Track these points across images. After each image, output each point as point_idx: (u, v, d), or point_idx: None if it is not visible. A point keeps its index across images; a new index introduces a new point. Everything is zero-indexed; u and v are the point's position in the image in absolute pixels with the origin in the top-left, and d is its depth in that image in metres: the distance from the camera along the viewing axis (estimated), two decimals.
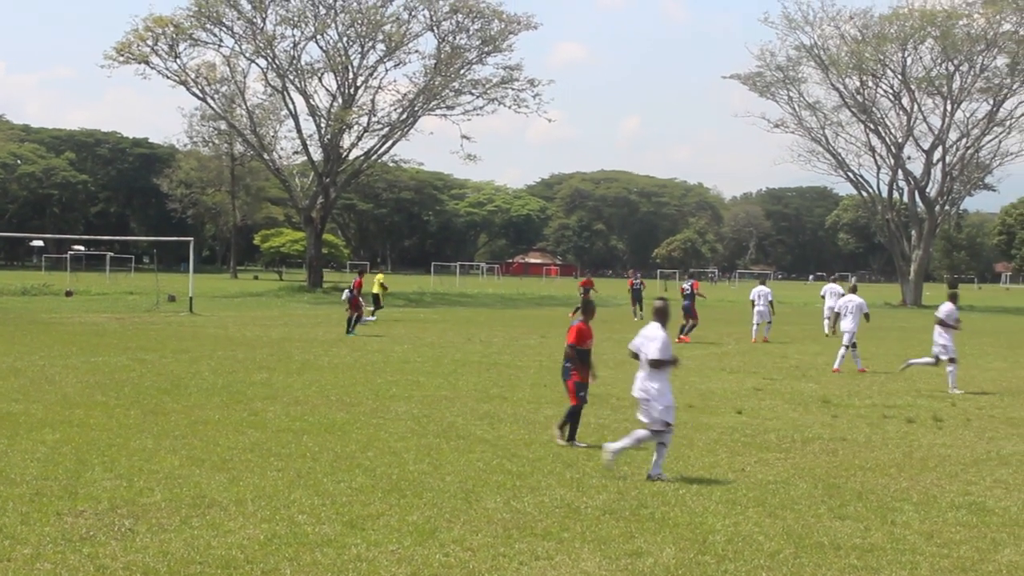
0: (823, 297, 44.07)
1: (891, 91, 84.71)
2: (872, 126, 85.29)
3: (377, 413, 18.51)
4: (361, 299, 38.64)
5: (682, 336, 37.10)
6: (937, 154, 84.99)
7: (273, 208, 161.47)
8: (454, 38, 76.05)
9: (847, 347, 28.71)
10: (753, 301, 39.19)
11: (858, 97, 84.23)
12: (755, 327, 38.96)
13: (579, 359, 15.96)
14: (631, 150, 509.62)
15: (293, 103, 79.54)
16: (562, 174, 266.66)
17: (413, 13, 75.03)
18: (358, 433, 16.39)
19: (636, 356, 14.21)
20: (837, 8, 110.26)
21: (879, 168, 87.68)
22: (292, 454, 14.54)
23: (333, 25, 74.45)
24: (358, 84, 77.30)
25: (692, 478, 13.67)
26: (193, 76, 74.46)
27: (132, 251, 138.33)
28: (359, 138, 78.41)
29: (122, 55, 69.68)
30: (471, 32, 75.85)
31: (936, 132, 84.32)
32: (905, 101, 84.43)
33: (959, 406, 21.52)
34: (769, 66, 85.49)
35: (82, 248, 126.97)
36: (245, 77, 78.90)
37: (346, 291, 42.74)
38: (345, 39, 75.56)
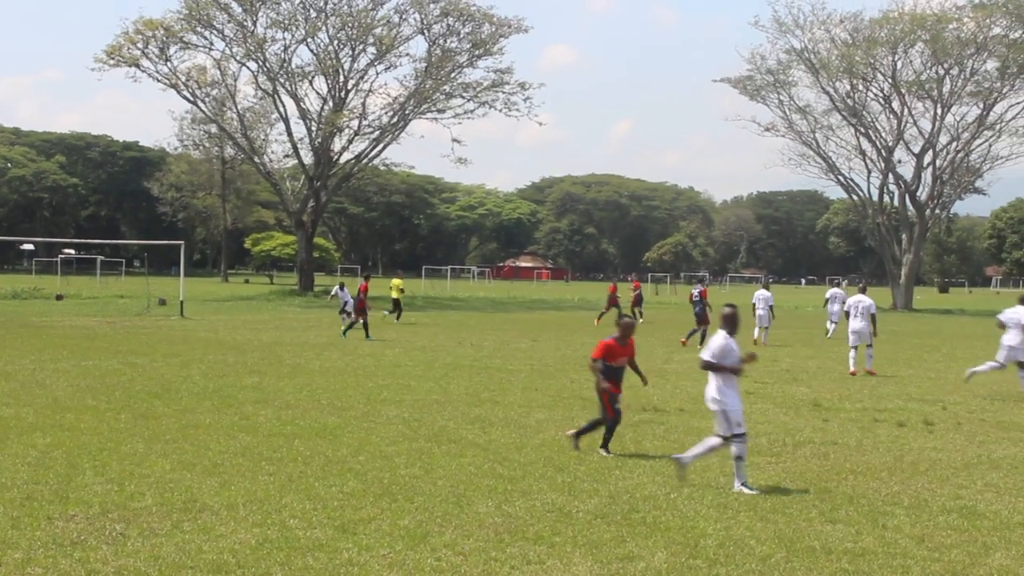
0: (827, 302, 44.10)
1: (881, 95, 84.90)
2: (862, 130, 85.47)
3: (368, 417, 18.50)
4: (369, 303, 38.49)
5: (685, 340, 37.30)
6: (927, 158, 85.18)
7: (264, 212, 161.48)
8: (445, 41, 76.29)
9: (857, 347, 28.87)
10: (754, 305, 39.17)
11: (848, 101, 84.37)
12: (757, 330, 39.04)
13: (610, 375, 15.48)
14: (622, 153, 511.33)
15: (284, 106, 79.70)
16: (553, 177, 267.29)
17: (404, 16, 75.28)
18: (349, 437, 16.38)
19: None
20: (827, 12, 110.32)
21: (870, 172, 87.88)
22: (283, 458, 14.53)
23: (324, 28, 74.63)
24: (349, 87, 77.50)
25: (683, 482, 13.67)
26: (184, 79, 74.65)
27: (123, 255, 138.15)
28: (350, 141, 78.66)
29: (112, 58, 69.75)
30: (462, 35, 76.09)
31: (926, 136, 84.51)
32: (895, 105, 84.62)
33: (950, 410, 21.55)
34: (759, 70, 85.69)
35: (72, 252, 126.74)
36: (236, 80, 79.16)
37: (335, 288, 42.86)
38: (336, 42, 75.75)
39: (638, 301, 54.14)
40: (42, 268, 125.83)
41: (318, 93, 78.03)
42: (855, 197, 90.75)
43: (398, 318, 47.71)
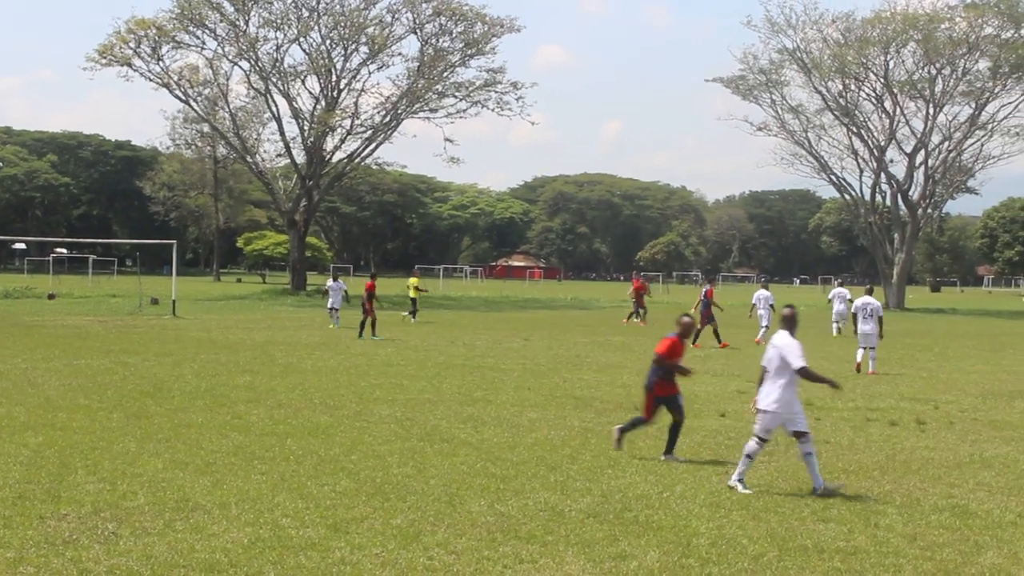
0: (830, 301, 44.17)
1: (873, 94, 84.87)
2: (855, 129, 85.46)
3: (361, 416, 18.49)
4: (374, 303, 38.47)
5: (695, 342, 37.34)
6: (920, 157, 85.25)
7: (256, 211, 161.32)
8: (437, 41, 76.15)
9: (866, 348, 29.07)
10: (755, 305, 39.28)
11: (841, 100, 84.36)
12: (762, 330, 39.21)
13: (665, 372, 15.46)
14: (614, 153, 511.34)
15: (276, 106, 79.59)
16: (545, 177, 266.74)
17: (396, 16, 75.20)
18: (342, 436, 16.37)
19: (766, 370, 13.66)
20: (819, 12, 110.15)
21: (862, 171, 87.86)
22: (276, 457, 14.52)
23: (316, 28, 74.49)
24: (341, 87, 77.39)
25: (676, 481, 13.67)
26: (176, 78, 74.55)
27: (115, 254, 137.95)
28: (342, 141, 78.55)
29: (104, 57, 69.66)
30: (454, 35, 75.99)
31: (918, 135, 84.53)
32: (888, 104, 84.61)
33: (942, 409, 21.57)
34: (752, 69, 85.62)
35: (64, 251, 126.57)
36: (228, 79, 79.06)
37: (329, 280, 42.86)
38: (328, 42, 75.66)
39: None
40: (34, 267, 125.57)
41: (310, 92, 78.02)
42: (847, 196, 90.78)
43: (414, 315, 48.36)
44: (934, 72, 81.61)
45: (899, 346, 37.50)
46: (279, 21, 73.38)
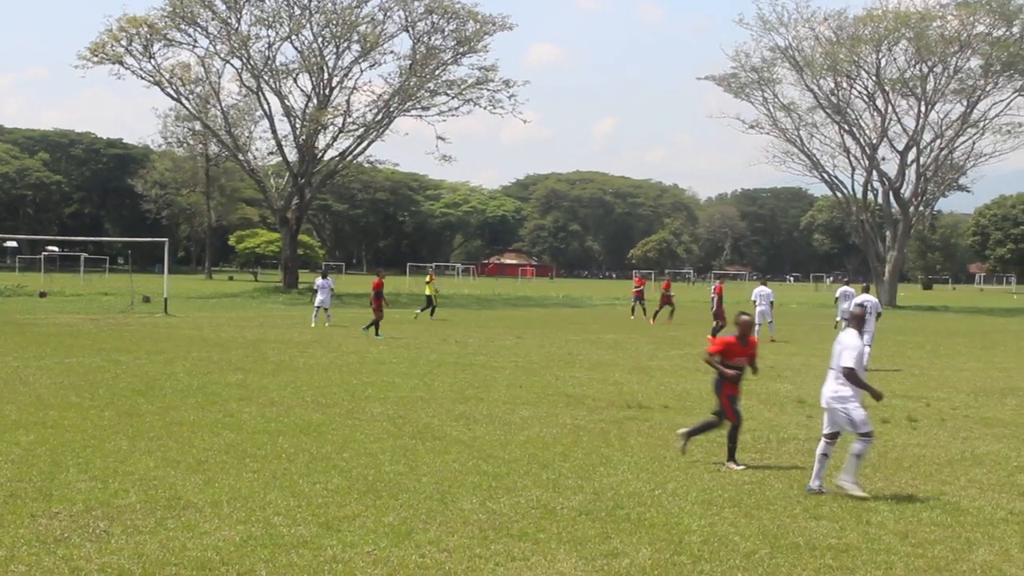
0: (837, 300, 44.27)
1: (865, 92, 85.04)
2: (846, 127, 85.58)
3: (353, 414, 18.49)
4: (385, 300, 38.47)
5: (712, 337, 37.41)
6: (911, 155, 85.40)
7: (248, 209, 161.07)
8: (429, 39, 76.16)
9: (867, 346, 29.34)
10: (755, 301, 39.58)
11: (832, 98, 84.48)
12: (758, 327, 39.42)
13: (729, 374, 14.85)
14: (606, 151, 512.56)
15: (268, 104, 79.61)
16: (537, 175, 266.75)
17: (388, 14, 75.15)
18: (334, 434, 16.36)
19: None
20: (811, 10, 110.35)
21: (854, 169, 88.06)
22: (267, 455, 14.51)
23: (308, 25, 74.45)
24: (333, 85, 77.35)
25: (668, 478, 13.68)
26: (167, 76, 74.40)
27: (106, 252, 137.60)
28: (334, 139, 78.46)
29: (96, 55, 69.55)
30: (446, 33, 75.95)
31: (910, 133, 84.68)
32: (879, 102, 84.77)
33: (933, 406, 21.60)
34: (744, 67, 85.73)
35: (56, 249, 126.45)
36: (220, 77, 78.94)
37: (318, 279, 42.86)
38: (320, 40, 75.59)
39: (640, 297, 54.99)
40: (25, 265, 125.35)
41: (302, 90, 77.95)
42: (839, 194, 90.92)
43: (432, 314, 49.02)
44: (926, 70, 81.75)
45: (891, 343, 37.55)
46: (271, 19, 73.33)
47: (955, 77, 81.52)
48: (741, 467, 14.58)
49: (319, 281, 43.04)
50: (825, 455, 13.28)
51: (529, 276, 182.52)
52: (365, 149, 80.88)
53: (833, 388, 13.43)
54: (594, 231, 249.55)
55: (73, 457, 14.02)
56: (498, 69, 77.18)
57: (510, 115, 78.21)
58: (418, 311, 50.08)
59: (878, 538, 11.08)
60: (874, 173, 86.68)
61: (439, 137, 79.07)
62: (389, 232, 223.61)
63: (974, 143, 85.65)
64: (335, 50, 76.43)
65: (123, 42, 69.90)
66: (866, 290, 31.09)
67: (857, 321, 13.80)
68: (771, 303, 39.87)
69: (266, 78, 76.06)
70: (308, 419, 17.80)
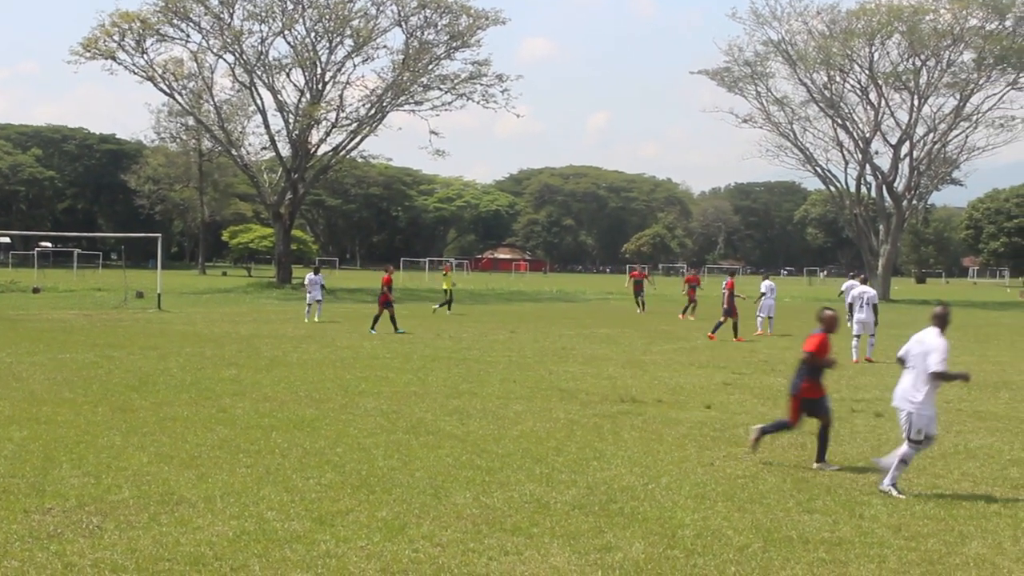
0: (842, 294, 44.40)
1: (858, 86, 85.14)
2: (840, 121, 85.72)
3: (346, 409, 18.48)
4: (391, 295, 38.39)
5: (711, 333, 37.33)
6: (904, 149, 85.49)
7: (241, 204, 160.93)
8: (422, 33, 76.07)
9: (861, 336, 30.29)
10: (764, 294, 40.02)
11: (826, 92, 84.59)
12: (760, 319, 39.72)
13: (813, 372, 14.51)
14: (600, 145, 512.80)
15: (261, 99, 79.40)
16: (531, 169, 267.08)
17: (381, 8, 75.09)
18: (327, 429, 16.36)
19: (903, 362, 13.51)
20: (804, 3, 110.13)
21: (847, 163, 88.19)
22: (261, 450, 14.50)
23: (301, 20, 74.34)
24: (326, 80, 77.29)
25: (661, 473, 13.68)
26: (160, 72, 74.19)
27: (100, 248, 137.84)
28: (327, 134, 78.40)
29: (89, 51, 69.40)
30: (439, 27, 75.89)
31: (903, 127, 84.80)
32: (872, 96, 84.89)
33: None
34: (737, 61, 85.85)
35: (49, 245, 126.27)
36: (212, 73, 78.72)
37: (310, 274, 42.85)
38: (313, 34, 75.52)
39: (639, 290, 55.08)
40: (18, 261, 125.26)
41: (295, 85, 77.86)
42: (832, 188, 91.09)
43: (449, 308, 49.66)
44: (919, 64, 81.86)
45: (884, 337, 37.51)
46: (264, 14, 73.20)
47: (948, 71, 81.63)
48: (832, 467, 14.37)
49: (310, 276, 42.99)
50: (904, 461, 13.07)
51: (523, 271, 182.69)
52: (358, 144, 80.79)
53: (905, 388, 13.27)
54: (588, 225, 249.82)
55: (66, 453, 14.01)
56: (491, 63, 77.37)
57: (503, 110, 78.39)
58: (436, 307, 50.48)
59: (871, 531, 11.09)
60: (867, 167, 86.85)
61: (432, 132, 79.16)
62: (383, 227, 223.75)
63: (967, 137, 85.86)
64: (328, 45, 76.38)
65: (116, 37, 69.71)
66: (864, 281, 31.38)
67: (939, 320, 13.40)
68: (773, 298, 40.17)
69: (259, 73, 75.96)
70: (302, 414, 17.79)
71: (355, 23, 74.96)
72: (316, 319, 41.67)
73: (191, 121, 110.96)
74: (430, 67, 77.23)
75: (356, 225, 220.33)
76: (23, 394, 19.43)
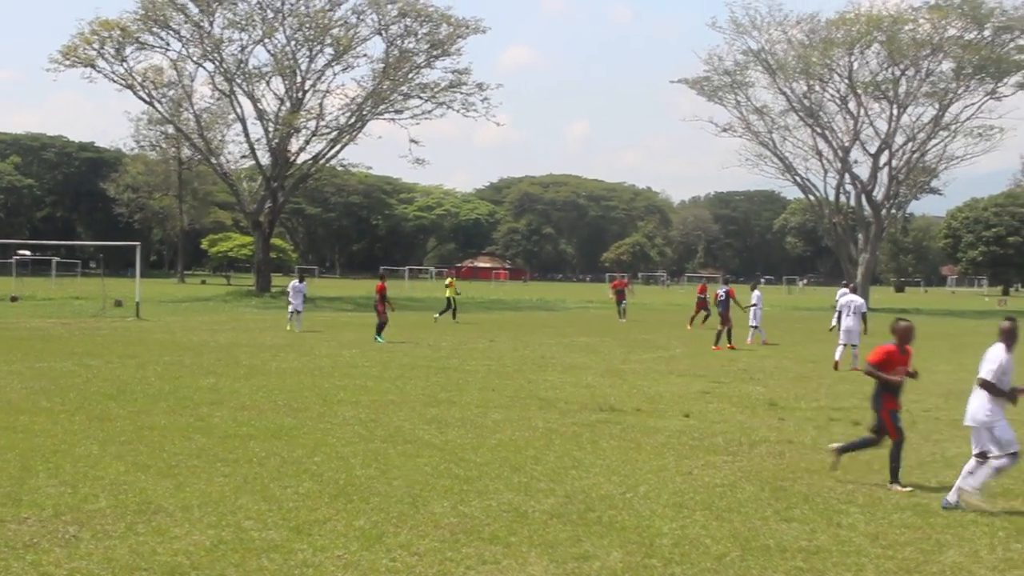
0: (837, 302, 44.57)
1: (838, 95, 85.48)
2: (819, 130, 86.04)
3: (324, 418, 18.45)
4: (387, 304, 38.41)
5: (716, 346, 37.24)
6: (883, 158, 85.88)
7: (221, 212, 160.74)
8: (402, 42, 76.16)
9: (847, 345, 30.93)
10: (755, 304, 40.01)
11: (805, 101, 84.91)
12: (752, 331, 39.73)
13: (888, 385, 14.32)
14: (580, 154, 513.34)
15: (241, 107, 79.44)
16: (511, 178, 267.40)
17: (361, 17, 75.13)
18: (305, 438, 16.32)
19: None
20: (784, 13, 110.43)
21: (826, 172, 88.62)
22: (239, 459, 14.47)
23: (281, 29, 74.36)
24: (306, 88, 77.26)
25: (639, 481, 13.68)
26: (140, 80, 74.27)
27: (78, 256, 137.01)
28: (307, 142, 78.43)
29: (68, 58, 69.28)
30: (419, 36, 75.96)
31: (882, 136, 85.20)
32: (852, 105, 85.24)
33: (905, 409, 21.61)
34: (717, 70, 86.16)
35: (28, 253, 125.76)
36: (192, 81, 78.93)
37: (294, 281, 42.80)
38: (293, 43, 75.53)
39: (620, 299, 55.36)
40: None
41: (275, 94, 77.84)
42: (812, 197, 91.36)
43: (455, 316, 50.51)
44: (898, 73, 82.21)
45: (863, 346, 37.57)
46: (244, 22, 73.17)
47: (927, 80, 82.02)
48: (908, 489, 13.74)
49: (293, 284, 42.93)
50: (971, 473, 12.92)
51: (503, 279, 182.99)
52: (338, 152, 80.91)
53: (977, 406, 13.12)
54: (568, 234, 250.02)
55: (43, 462, 13.95)
56: (471, 72, 77.36)
57: (483, 118, 78.44)
58: (437, 315, 50.55)
59: (849, 540, 11.10)
60: (846, 176, 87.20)
61: (412, 140, 79.29)
62: (362, 235, 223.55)
63: (946, 146, 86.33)
64: (308, 53, 76.39)
65: (95, 45, 69.63)
66: (853, 290, 31.74)
67: (1006, 336, 13.23)
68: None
69: (239, 81, 75.92)
70: (279, 423, 17.75)
71: (335, 32, 75.01)
72: (296, 329, 41.52)
73: (171, 129, 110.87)
74: (410, 76, 77.30)
75: (336, 234, 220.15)
76: (0, 403, 19.35)
